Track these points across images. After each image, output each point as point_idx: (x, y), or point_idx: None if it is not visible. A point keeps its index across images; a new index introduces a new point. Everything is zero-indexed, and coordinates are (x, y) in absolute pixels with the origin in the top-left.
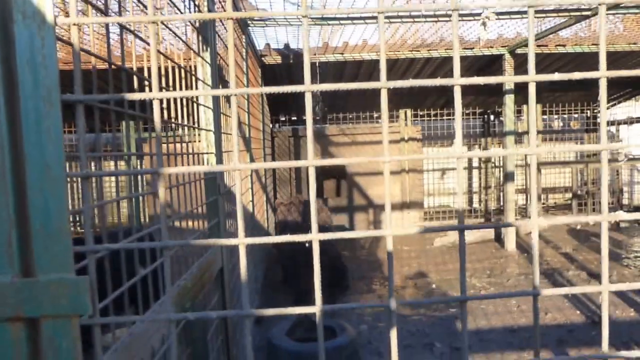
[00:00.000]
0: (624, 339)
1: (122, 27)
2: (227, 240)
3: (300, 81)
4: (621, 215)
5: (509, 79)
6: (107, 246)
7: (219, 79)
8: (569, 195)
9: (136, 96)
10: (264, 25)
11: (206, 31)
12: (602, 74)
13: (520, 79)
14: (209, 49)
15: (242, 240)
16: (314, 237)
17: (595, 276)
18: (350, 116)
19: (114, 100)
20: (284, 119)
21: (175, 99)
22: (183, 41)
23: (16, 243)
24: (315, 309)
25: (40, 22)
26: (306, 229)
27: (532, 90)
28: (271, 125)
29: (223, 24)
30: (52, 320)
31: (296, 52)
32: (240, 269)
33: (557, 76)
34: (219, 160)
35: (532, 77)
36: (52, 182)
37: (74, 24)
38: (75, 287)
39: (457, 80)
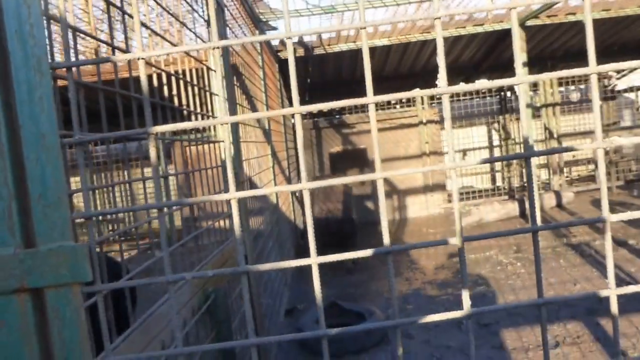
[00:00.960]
0: None
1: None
2: (218, 196)
3: (317, 73)
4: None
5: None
6: (104, 211)
7: (233, 72)
8: (592, 166)
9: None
10: (276, 19)
11: (217, 25)
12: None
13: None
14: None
15: (233, 195)
16: (304, 186)
17: (622, 244)
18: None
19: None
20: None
21: (189, 90)
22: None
23: (17, 214)
24: (311, 260)
25: None
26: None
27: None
28: (292, 119)
29: (237, 22)
30: (55, 290)
31: (308, 46)
32: (234, 220)
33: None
34: (236, 150)
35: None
36: (47, 150)
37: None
38: (74, 254)
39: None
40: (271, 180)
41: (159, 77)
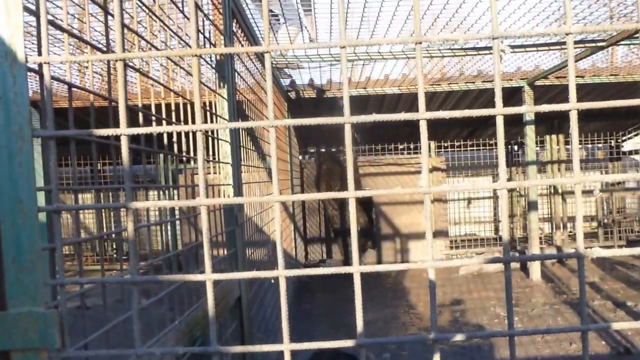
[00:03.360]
0: None
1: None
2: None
3: (325, 114)
4: (597, 251)
5: (475, 112)
6: (73, 281)
7: (239, 114)
8: (594, 224)
9: (103, 132)
10: (286, 63)
11: (223, 68)
12: (572, 106)
13: (487, 112)
14: (226, 86)
15: (208, 277)
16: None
17: (621, 305)
18: (377, 147)
19: (108, 135)
20: (312, 150)
21: (190, 134)
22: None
23: None
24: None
25: (12, 60)
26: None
27: (499, 122)
28: (300, 157)
29: (242, 61)
30: (22, 354)
31: (319, 88)
32: (208, 302)
33: (524, 109)
34: (237, 192)
35: (500, 110)
36: (24, 216)
37: (45, 62)
38: (43, 320)
39: (423, 115)
40: (274, 218)
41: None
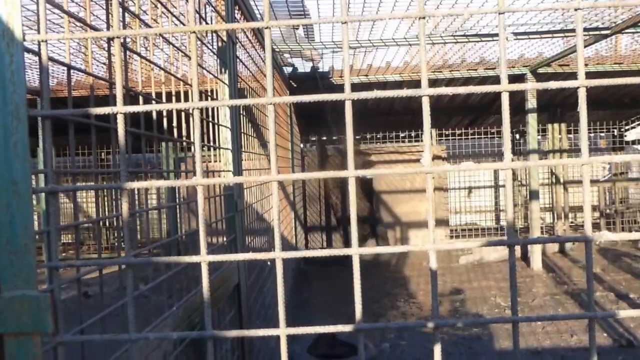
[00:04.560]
0: None
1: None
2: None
3: (329, 103)
4: (606, 235)
5: (479, 89)
6: (67, 264)
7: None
8: (597, 214)
9: (100, 110)
10: (289, 50)
11: (225, 55)
12: (581, 83)
13: (492, 88)
14: (227, 72)
15: (204, 258)
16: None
17: (624, 297)
18: (378, 136)
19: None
20: (314, 138)
21: (191, 122)
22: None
23: None
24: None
25: (9, 39)
26: None
27: (504, 99)
28: (301, 145)
29: (245, 49)
30: (15, 338)
31: (323, 74)
32: (203, 283)
33: (529, 85)
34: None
35: (505, 86)
36: (18, 197)
37: (43, 40)
38: (36, 304)
39: (425, 91)
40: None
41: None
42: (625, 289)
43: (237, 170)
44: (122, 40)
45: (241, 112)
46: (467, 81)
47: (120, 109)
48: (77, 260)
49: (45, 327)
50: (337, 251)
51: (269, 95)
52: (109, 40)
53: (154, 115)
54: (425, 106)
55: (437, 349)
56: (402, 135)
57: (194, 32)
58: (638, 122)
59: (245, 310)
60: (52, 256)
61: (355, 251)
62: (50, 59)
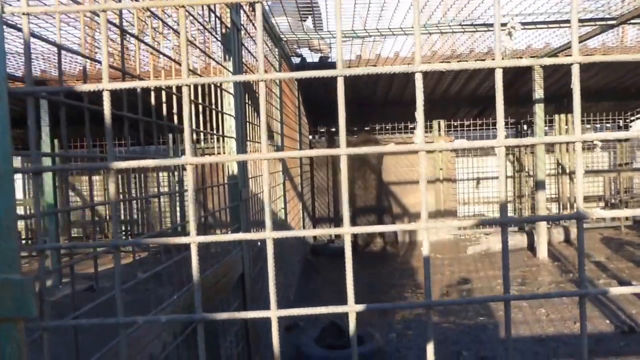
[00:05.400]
0: None
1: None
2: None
3: (335, 93)
4: (597, 212)
5: (470, 65)
6: (55, 245)
7: (246, 90)
8: (602, 204)
9: (85, 87)
10: (296, 40)
11: (229, 42)
12: (574, 59)
13: (487, 64)
14: (232, 59)
15: (193, 239)
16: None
17: (626, 284)
18: (387, 127)
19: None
20: (323, 130)
21: (200, 109)
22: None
23: None
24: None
25: None
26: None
27: (498, 76)
28: (310, 136)
29: (251, 36)
30: None
31: (332, 64)
32: (192, 265)
33: (524, 61)
34: (242, 168)
35: (499, 62)
36: None
37: (24, 13)
38: (20, 288)
39: (418, 67)
40: (281, 196)
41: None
42: (628, 277)
43: (242, 160)
44: (110, 15)
45: (247, 101)
46: (474, 72)
47: (106, 86)
48: (66, 242)
49: (29, 312)
50: (330, 231)
51: (260, 71)
52: (122, 32)
53: (164, 107)
54: (419, 83)
55: (430, 329)
56: (411, 126)
57: (183, 6)
58: None
59: (250, 300)
60: (39, 239)
61: (347, 230)
62: (35, 36)
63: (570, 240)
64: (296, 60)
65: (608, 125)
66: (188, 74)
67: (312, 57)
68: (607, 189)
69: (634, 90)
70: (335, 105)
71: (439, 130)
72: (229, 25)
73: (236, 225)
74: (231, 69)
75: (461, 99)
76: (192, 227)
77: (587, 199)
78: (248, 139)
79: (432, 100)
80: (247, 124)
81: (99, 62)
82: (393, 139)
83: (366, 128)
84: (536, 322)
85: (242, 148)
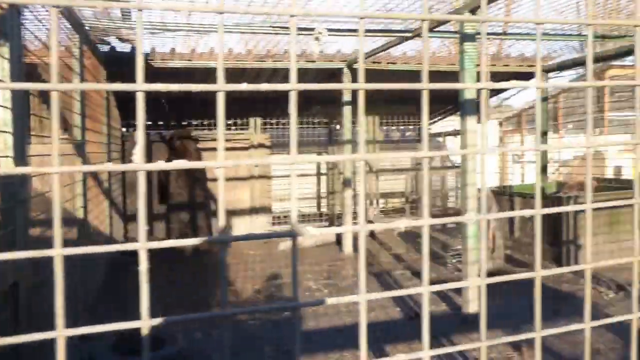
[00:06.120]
0: (434, 333)
1: None
2: None
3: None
4: (311, 230)
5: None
6: None
7: (28, 77)
8: (403, 199)
9: None
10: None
11: (5, 22)
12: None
13: (210, 88)
14: (8, 43)
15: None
16: None
17: (418, 275)
18: (205, 123)
19: None
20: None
21: None
22: None
23: None
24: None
25: None
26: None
27: (220, 100)
28: (124, 129)
29: (40, 21)
30: None
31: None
32: None
33: (244, 86)
34: (21, 164)
35: (221, 86)
36: None
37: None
38: None
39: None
40: (78, 195)
41: None
42: (420, 267)
43: (21, 156)
44: None
45: (31, 92)
46: (275, 72)
47: None
48: None
49: None
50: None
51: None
52: None
53: None
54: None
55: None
56: (229, 122)
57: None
58: (440, 117)
59: (25, 314)
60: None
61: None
62: None
63: (375, 235)
64: (104, 48)
65: (411, 127)
66: None
67: (123, 47)
68: (409, 186)
69: (433, 96)
70: (150, 96)
71: (255, 127)
72: (4, 5)
73: (11, 227)
74: (7, 55)
75: (279, 97)
76: None
77: (392, 194)
78: (33, 133)
79: (249, 97)
80: (31, 116)
81: None
82: (210, 135)
83: (183, 123)
84: (336, 314)
85: (22, 143)
